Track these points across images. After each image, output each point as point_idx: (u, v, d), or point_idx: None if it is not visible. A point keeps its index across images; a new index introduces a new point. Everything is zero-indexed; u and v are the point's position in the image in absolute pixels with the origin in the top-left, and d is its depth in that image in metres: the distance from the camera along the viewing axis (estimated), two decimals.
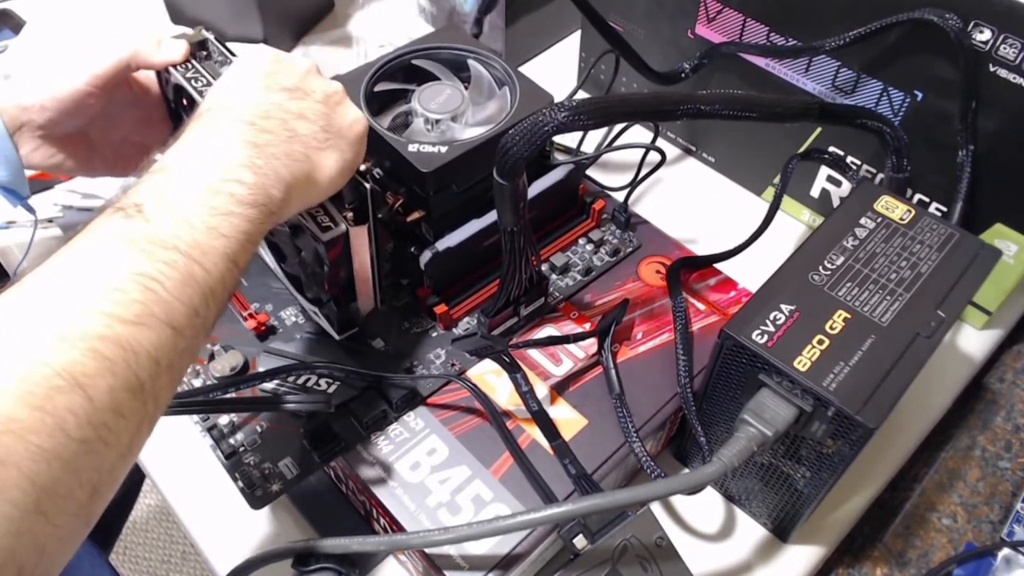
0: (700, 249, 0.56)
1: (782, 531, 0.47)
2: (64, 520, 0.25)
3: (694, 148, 0.70)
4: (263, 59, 0.38)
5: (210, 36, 0.46)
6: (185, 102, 0.47)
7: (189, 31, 0.45)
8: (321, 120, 0.37)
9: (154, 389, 0.28)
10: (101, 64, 0.43)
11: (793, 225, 0.65)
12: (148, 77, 0.48)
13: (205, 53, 0.45)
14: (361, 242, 0.43)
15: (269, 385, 0.45)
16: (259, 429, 0.44)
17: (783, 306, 0.40)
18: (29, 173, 0.46)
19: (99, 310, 0.26)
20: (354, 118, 0.40)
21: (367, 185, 0.41)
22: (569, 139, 0.67)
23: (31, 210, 0.49)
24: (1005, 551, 0.46)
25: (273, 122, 0.35)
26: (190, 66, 0.44)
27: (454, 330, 0.50)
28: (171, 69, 0.43)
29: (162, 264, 0.28)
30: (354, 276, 0.45)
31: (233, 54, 0.45)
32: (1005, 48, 0.46)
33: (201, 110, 0.36)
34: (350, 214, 0.42)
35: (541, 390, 0.46)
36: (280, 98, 0.36)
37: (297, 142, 0.36)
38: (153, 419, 0.29)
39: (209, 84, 0.43)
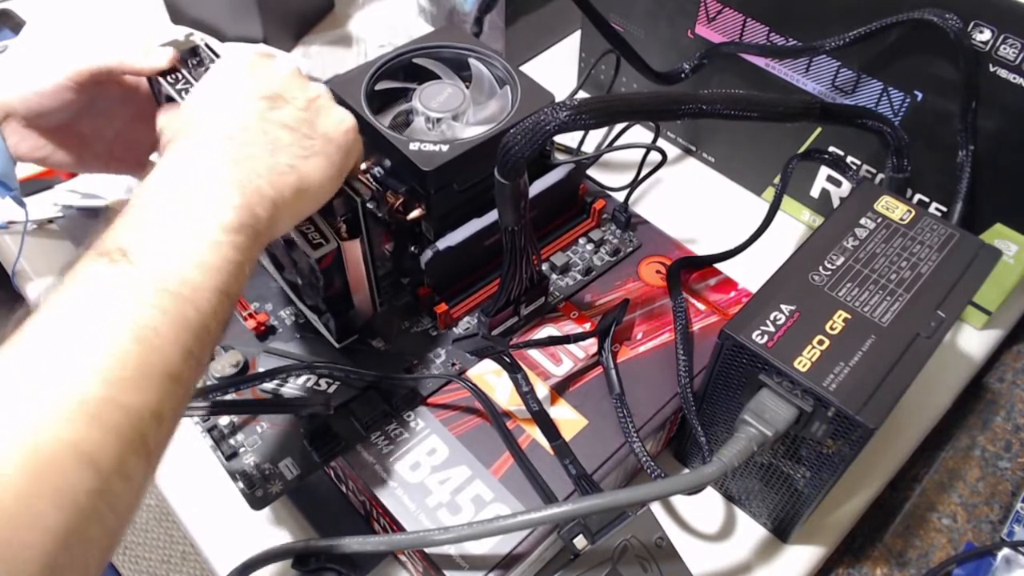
0: (700, 249, 0.56)
1: (782, 531, 0.47)
2: None
3: (694, 148, 0.70)
4: (239, 67, 0.36)
5: (201, 43, 0.44)
6: None
7: (180, 38, 0.45)
8: (304, 127, 0.36)
9: (157, 442, 0.27)
10: (81, 63, 0.43)
11: (793, 225, 0.65)
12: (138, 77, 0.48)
13: (197, 60, 0.44)
14: (354, 255, 0.43)
15: (269, 385, 0.45)
16: (259, 430, 0.44)
17: (783, 306, 0.40)
18: (30, 172, 0.46)
19: (96, 371, 0.25)
20: (339, 120, 0.38)
21: (358, 199, 0.40)
22: (570, 139, 0.67)
23: (20, 203, 0.49)
24: (1005, 551, 0.46)
25: (253, 134, 0.34)
26: (180, 76, 0.43)
27: (454, 330, 0.50)
28: (160, 78, 0.43)
29: (153, 310, 0.27)
30: (349, 288, 0.45)
31: None
32: (1005, 48, 0.46)
33: (178, 125, 0.34)
34: (342, 227, 0.41)
35: (541, 390, 0.46)
36: (259, 107, 0.35)
37: (281, 153, 0.34)
38: (154, 471, 0.28)
39: None
